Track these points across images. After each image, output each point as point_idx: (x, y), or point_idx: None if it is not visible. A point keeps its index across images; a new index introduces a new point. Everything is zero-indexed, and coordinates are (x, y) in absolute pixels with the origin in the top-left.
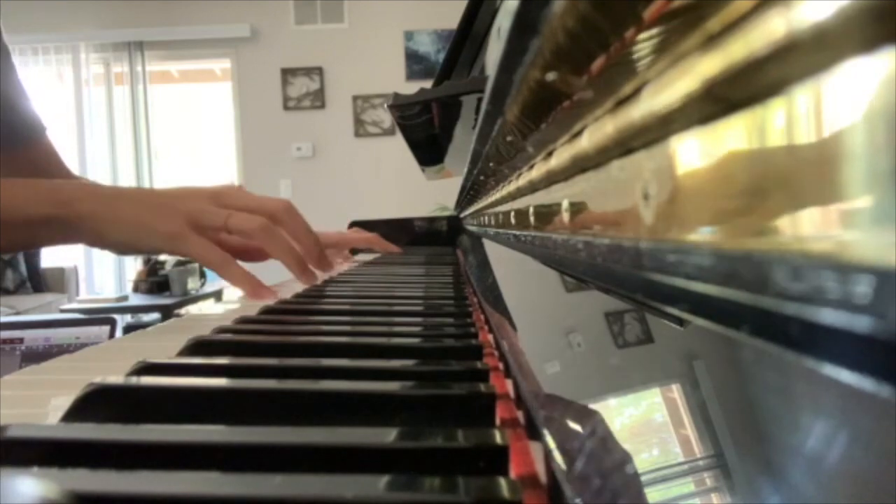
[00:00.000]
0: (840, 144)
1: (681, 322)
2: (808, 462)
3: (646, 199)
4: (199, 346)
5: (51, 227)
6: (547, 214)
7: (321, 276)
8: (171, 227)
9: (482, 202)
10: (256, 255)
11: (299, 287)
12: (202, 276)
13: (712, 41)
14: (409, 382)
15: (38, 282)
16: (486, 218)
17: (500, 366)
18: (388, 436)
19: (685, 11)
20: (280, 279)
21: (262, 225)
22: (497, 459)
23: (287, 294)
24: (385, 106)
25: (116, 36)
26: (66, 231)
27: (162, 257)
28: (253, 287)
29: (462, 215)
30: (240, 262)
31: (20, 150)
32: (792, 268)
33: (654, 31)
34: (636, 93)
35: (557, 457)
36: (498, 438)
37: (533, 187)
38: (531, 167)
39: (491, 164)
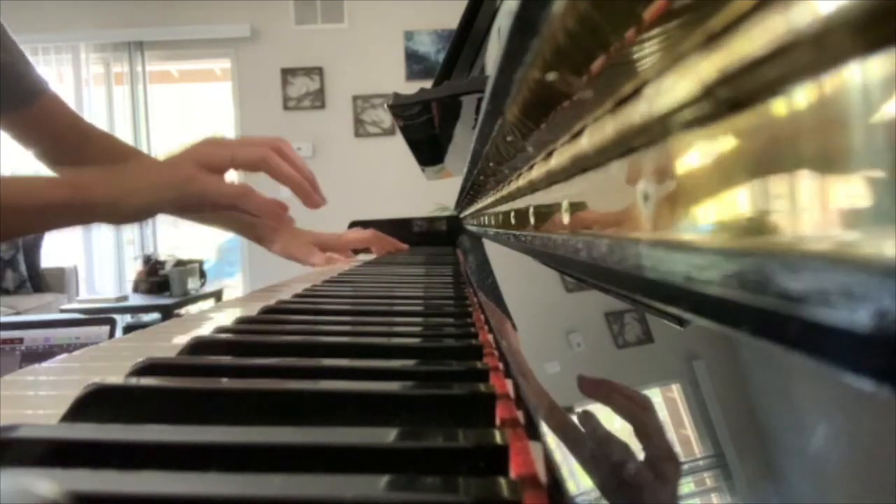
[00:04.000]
0: (840, 144)
1: (681, 322)
2: (807, 462)
3: (646, 199)
4: (199, 346)
5: (70, 210)
6: (547, 214)
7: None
8: (183, 173)
9: (482, 202)
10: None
11: (299, 287)
12: (202, 276)
13: (712, 41)
14: (410, 382)
15: (38, 282)
16: (486, 218)
17: (500, 366)
18: (388, 436)
19: (685, 11)
20: (279, 278)
21: (267, 154)
22: (497, 459)
23: (286, 294)
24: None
25: (116, 36)
26: (84, 213)
27: (162, 257)
28: (276, 211)
29: (462, 215)
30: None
31: (27, 109)
32: (792, 267)
33: (654, 31)
34: (636, 93)
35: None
36: (498, 438)
37: (533, 187)
38: (531, 167)
39: (491, 164)
